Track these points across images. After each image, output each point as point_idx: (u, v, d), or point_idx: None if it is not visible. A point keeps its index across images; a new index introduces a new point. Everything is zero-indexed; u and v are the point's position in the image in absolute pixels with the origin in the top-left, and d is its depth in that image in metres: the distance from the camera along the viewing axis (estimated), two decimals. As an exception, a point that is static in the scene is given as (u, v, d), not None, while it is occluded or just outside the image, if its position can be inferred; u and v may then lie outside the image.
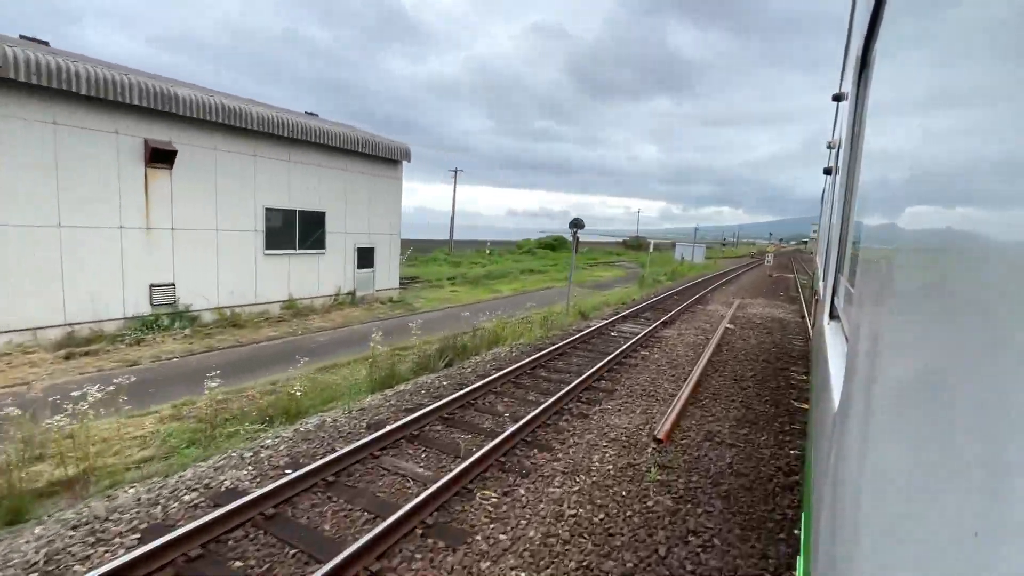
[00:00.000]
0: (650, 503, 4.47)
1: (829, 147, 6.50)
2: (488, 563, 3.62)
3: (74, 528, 3.92)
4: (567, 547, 3.83)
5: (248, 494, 4.20)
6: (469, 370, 8.52)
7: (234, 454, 5.21)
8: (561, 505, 4.38)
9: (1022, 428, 0.34)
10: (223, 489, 4.52)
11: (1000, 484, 0.36)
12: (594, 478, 4.87)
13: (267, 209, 14.02)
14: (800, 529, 3.19)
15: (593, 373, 7.90)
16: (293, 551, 3.70)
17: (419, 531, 3.95)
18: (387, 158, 17.71)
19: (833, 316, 2.80)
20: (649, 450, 5.51)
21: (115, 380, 5.80)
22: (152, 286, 11.68)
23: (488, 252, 40.40)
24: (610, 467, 5.10)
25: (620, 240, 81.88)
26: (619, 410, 6.72)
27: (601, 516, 4.26)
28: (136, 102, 10.77)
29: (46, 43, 11.15)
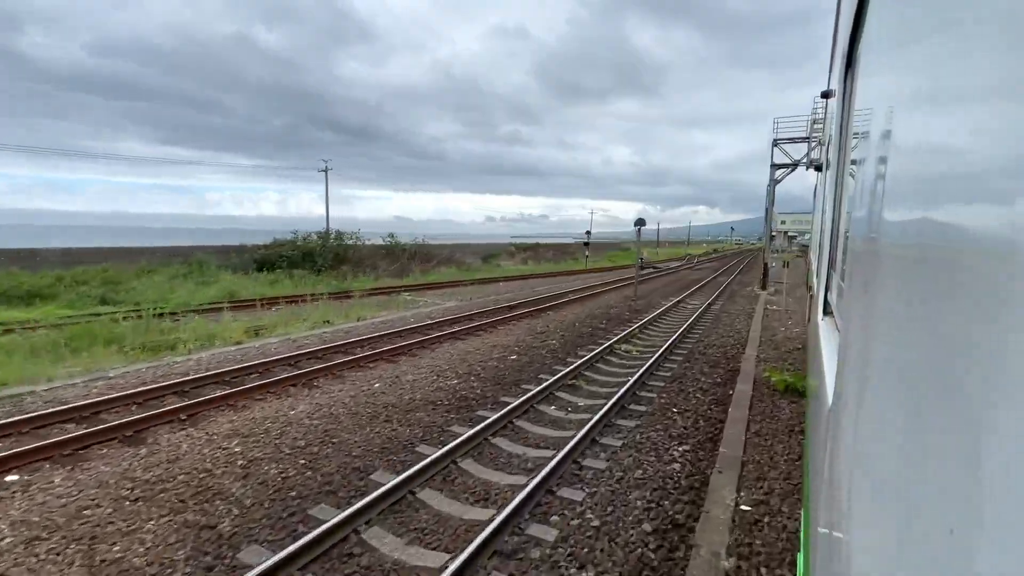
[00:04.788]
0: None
1: (819, 143, 6.52)
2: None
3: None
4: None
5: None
6: None
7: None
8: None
9: (999, 423, 0.34)
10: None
11: (976, 481, 0.36)
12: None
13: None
14: (800, 526, 3.19)
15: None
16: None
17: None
18: None
19: (827, 312, 2.80)
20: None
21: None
22: None
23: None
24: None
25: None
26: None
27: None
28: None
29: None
